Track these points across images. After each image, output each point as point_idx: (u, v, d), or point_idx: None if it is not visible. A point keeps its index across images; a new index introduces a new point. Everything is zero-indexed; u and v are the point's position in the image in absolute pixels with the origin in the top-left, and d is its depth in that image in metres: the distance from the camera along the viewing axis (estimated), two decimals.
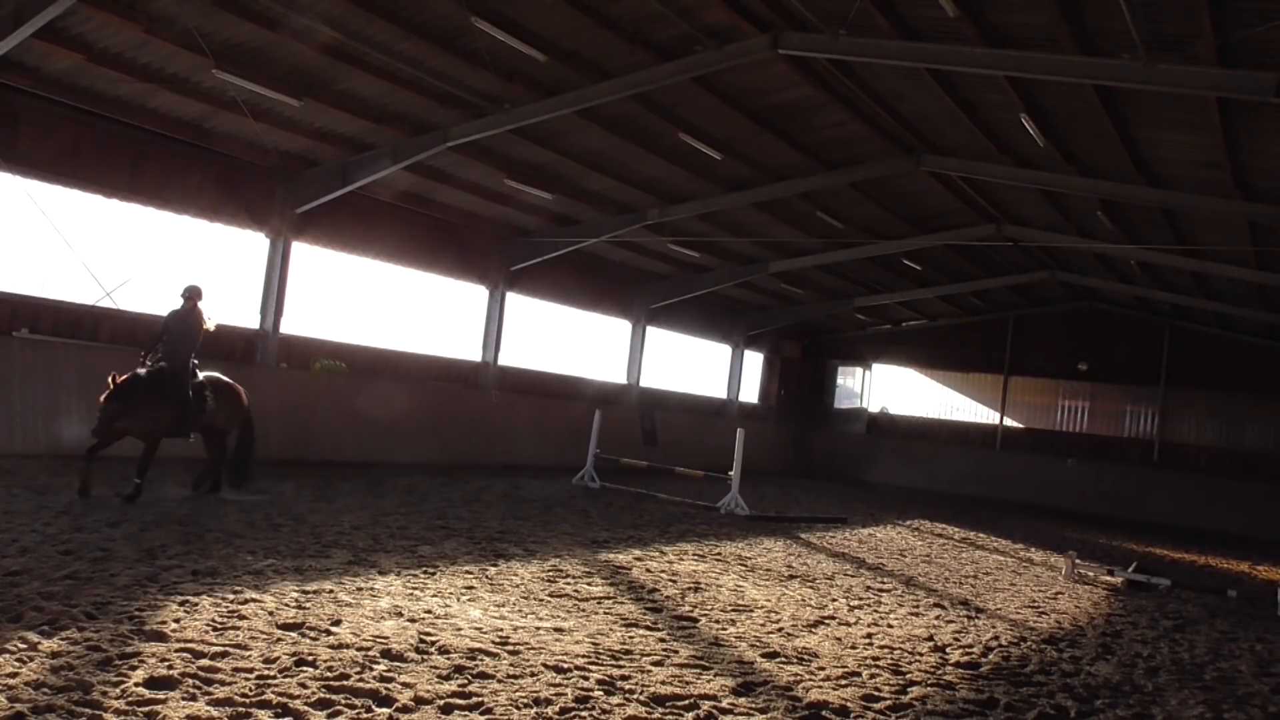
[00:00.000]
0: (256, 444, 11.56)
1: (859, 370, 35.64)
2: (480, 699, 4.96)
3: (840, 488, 27.41)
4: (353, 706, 4.65)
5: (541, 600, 7.55)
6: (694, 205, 20.83)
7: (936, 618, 8.96)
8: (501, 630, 6.38)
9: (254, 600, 6.39)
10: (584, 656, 5.99)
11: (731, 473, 16.45)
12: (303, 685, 4.85)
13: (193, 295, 10.87)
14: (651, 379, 27.89)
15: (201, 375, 10.90)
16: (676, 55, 14.38)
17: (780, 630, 7.55)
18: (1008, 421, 32.55)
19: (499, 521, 11.71)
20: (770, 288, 28.90)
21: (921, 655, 7.26)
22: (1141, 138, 15.16)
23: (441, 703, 4.85)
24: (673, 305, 27.21)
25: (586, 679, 5.51)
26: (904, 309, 32.65)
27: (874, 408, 35.09)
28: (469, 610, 6.88)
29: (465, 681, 5.22)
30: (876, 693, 6.01)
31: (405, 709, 4.72)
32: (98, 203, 15.41)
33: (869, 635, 7.77)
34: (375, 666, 5.28)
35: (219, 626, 5.70)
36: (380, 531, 9.86)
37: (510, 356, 22.84)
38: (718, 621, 7.60)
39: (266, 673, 4.98)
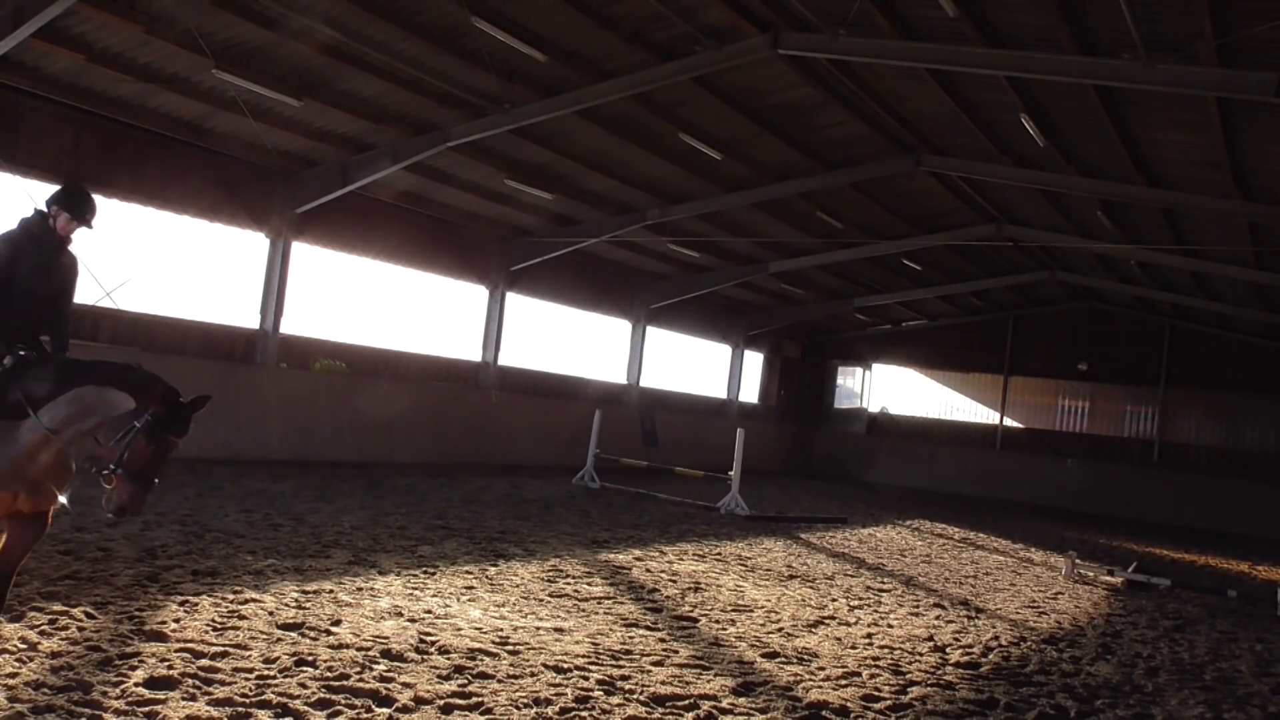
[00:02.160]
0: None
1: (859, 370, 35.62)
2: (480, 699, 4.96)
3: (840, 488, 27.40)
4: (353, 706, 4.65)
5: (541, 600, 7.55)
6: (694, 205, 20.82)
7: (936, 618, 8.96)
8: (501, 630, 6.38)
9: (254, 600, 6.39)
10: (584, 656, 5.99)
11: (731, 473, 16.44)
12: (303, 685, 4.85)
13: None
14: (651, 379, 27.88)
15: None
16: (676, 55, 14.38)
17: (780, 630, 7.55)
18: (1008, 421, 32.54)
19: (499, 521, 11.71)
20: (770, 288, 28.88)
21: (921, 655, 7.26)
22: (1141, 138, 15.16)
23: (441, 703, 4.85)
24: (673, 305, 27.19)
25: (586, 679, 5.51)
26: (904, 309, 32.63)
27: (874, 408, 35.07)
28: (469, 610, 6.88)
29: (465, 681, 5.22)
30: (876, 693, 6.01)
31: (405, 709, 4.72)
32: (97, 202, 15.39)
33: (869, 635, 7.77)
34: (375, 666, 5.28)
35: (219, 626, 5.70)
36: (380, 531, 9.86)
37: (510, 356, 22.83)
38: (718, 621, 7.60)
39: (266, 673, 4.98)
